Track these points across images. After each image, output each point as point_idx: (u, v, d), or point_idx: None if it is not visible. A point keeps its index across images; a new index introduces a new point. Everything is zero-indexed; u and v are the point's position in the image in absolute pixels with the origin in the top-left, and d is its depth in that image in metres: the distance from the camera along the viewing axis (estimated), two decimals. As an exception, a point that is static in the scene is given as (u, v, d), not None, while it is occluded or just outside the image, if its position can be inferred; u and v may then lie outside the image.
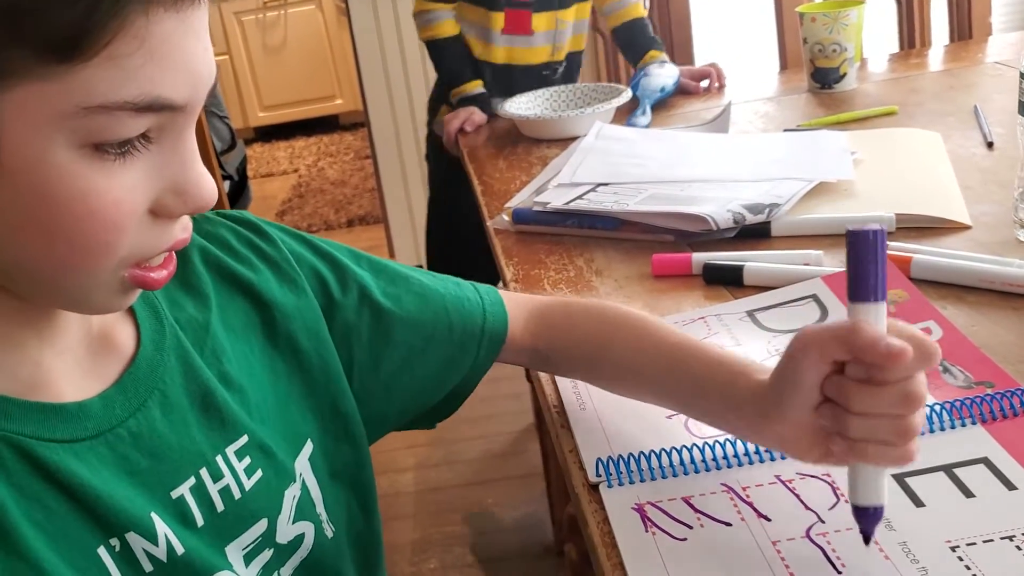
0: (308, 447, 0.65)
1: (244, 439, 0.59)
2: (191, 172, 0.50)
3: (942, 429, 0.63)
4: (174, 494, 0.55)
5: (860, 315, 0.51)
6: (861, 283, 0.51)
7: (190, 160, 0.49)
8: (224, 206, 1.60)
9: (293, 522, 0.62)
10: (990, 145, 1.15)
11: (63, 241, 0.47)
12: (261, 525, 0.59)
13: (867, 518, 0.53)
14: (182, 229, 0.52)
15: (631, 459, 0.63)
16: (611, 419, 0.70)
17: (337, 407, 0.67)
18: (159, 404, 0.56)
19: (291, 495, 0.62)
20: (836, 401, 0.53)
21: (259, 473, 0.60)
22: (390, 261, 0.75)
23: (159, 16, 0.45)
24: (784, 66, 1.71)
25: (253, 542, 0.59)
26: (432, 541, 1.93)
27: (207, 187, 0.50)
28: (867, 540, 0.54)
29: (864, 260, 0.50)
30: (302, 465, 0.64)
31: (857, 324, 0.51)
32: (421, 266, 2.94)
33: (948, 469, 0.59)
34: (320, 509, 0.64)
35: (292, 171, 4.54)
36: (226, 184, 1.88)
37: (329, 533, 0.64)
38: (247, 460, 0.59)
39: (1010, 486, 0.57)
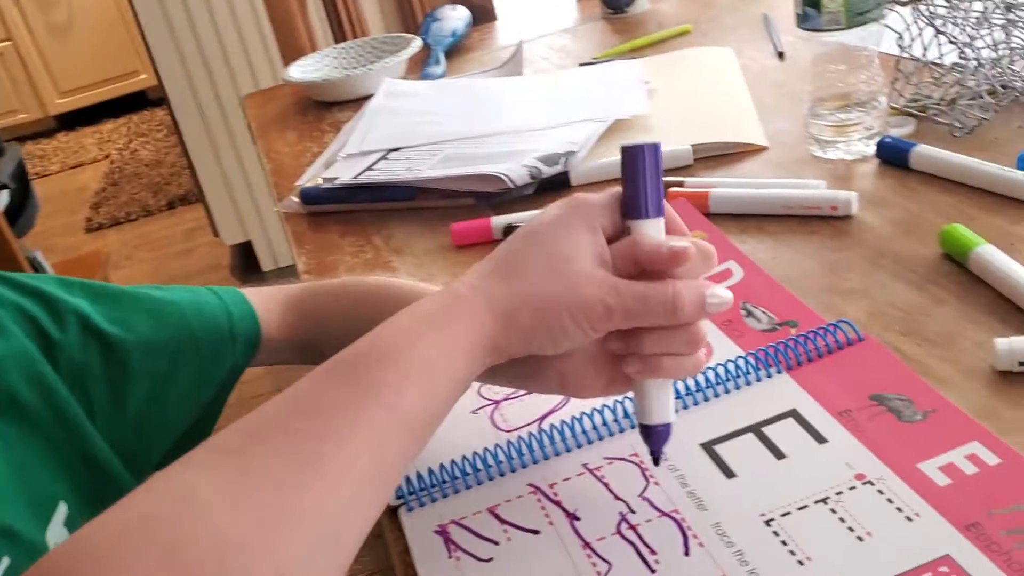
0: (62, 510, 0.56)
1: None
2: None
3: (747, 384, 0.59)
4: None
5: (640, 230, 0.50)
6: (636, 200, 0.50)
7: None
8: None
9: None
10: (780, 55, 1.13)
11: None
12: None
13: (657, 437, 0.52)
14: None
15: (431, 474, 0.58)
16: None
17: (88, 457, 0.59)
18: None
19: None
20: None
21: (6, 561, 0.52)
22: (109, 284, 0.67)
23: None
24: (581, -8, 1.66)
25: None
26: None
27: None
28: (657, 461, 0.53)
29: (639, 176, 0.50)
30: (57, 533, 0.55)
31: (638, 236, 0.50)
32: (249, 242, 2.82)
33: (757, 429, 0.56)
34: None
35: (103, 157, 4.26)
36: (2, 195, 1.71)
37: None
38: None
39: (820, 439, 0.54)
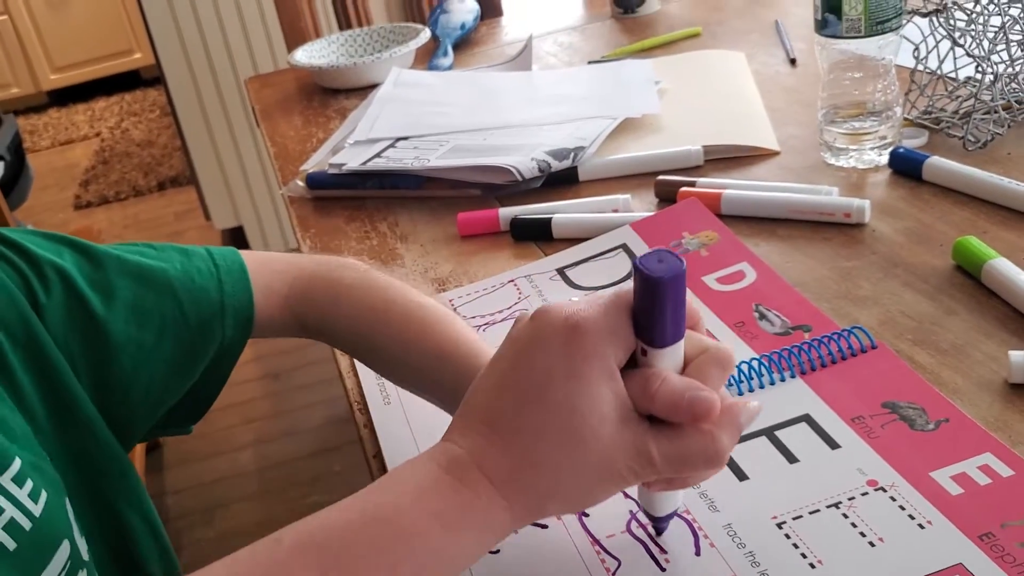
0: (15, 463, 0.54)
1: (17, 464, 0.50)
2: None
3: (761, 387, 0.59)
4: None
5: (656, 362, 0.44)
6: (657, 329, 0.43)
7: None
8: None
9: (81, 535, 0.54)
10: (792, 62, 1.13)
11: None
12: (65, 549, 0.51)
13: (665, 521, 0.50)
14: None
15: (437, 460, 0.57)
16: (419, 414, 0.63)
17: (75, 412, 0.58)
18: None
19: (67, 507, 0.54)
20: None
21: (44, 495, 0.51)
22: (96, 244, 0.64)
23: None
24: (589, -10, 1.66)
25: (63, 569, 0.50)
26: (280, 520, 1.84)
27: None
28: (660, 533, 0.51)
29: (665, 308, 0.42)
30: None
31: (654, 381, 0.43)
32: (241, 227, 2.80)
33: (770, 432, 0.56)
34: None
35: (94, 135, 4.22)
36: (-2, 166, 1.69)
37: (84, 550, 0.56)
38: (29, 484, 0.50)
39: (833, 444, 0.54)
